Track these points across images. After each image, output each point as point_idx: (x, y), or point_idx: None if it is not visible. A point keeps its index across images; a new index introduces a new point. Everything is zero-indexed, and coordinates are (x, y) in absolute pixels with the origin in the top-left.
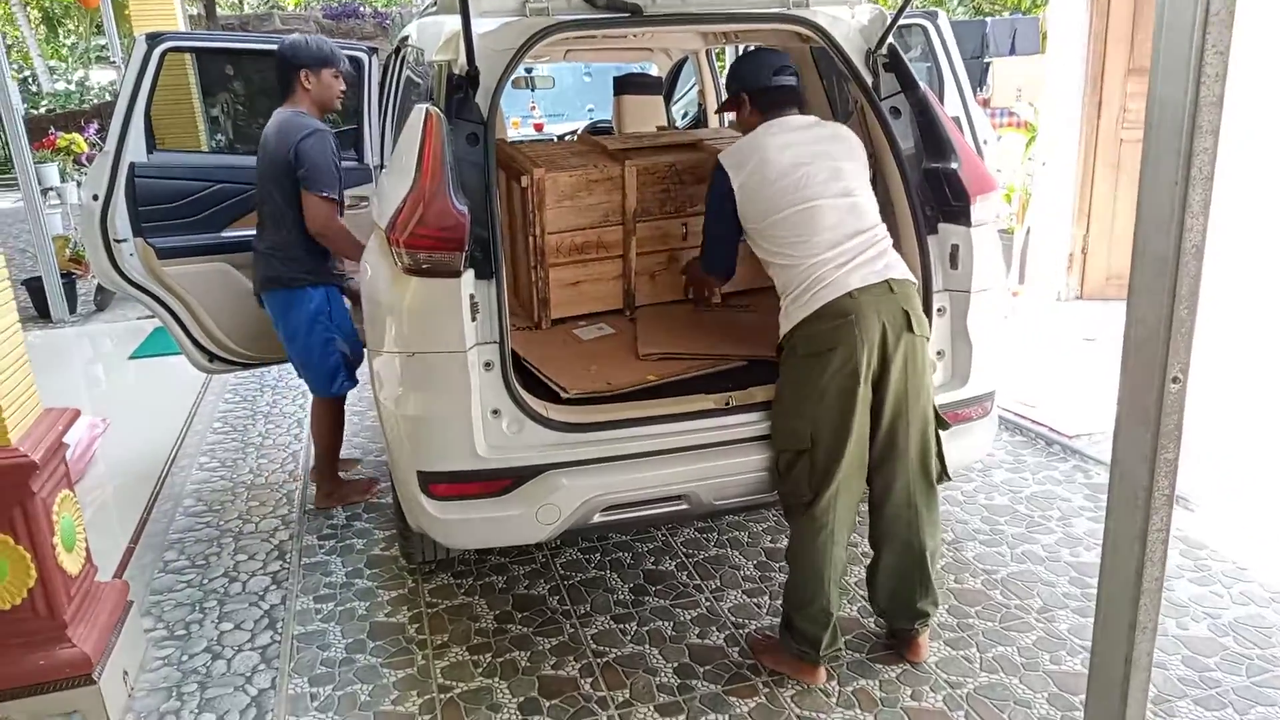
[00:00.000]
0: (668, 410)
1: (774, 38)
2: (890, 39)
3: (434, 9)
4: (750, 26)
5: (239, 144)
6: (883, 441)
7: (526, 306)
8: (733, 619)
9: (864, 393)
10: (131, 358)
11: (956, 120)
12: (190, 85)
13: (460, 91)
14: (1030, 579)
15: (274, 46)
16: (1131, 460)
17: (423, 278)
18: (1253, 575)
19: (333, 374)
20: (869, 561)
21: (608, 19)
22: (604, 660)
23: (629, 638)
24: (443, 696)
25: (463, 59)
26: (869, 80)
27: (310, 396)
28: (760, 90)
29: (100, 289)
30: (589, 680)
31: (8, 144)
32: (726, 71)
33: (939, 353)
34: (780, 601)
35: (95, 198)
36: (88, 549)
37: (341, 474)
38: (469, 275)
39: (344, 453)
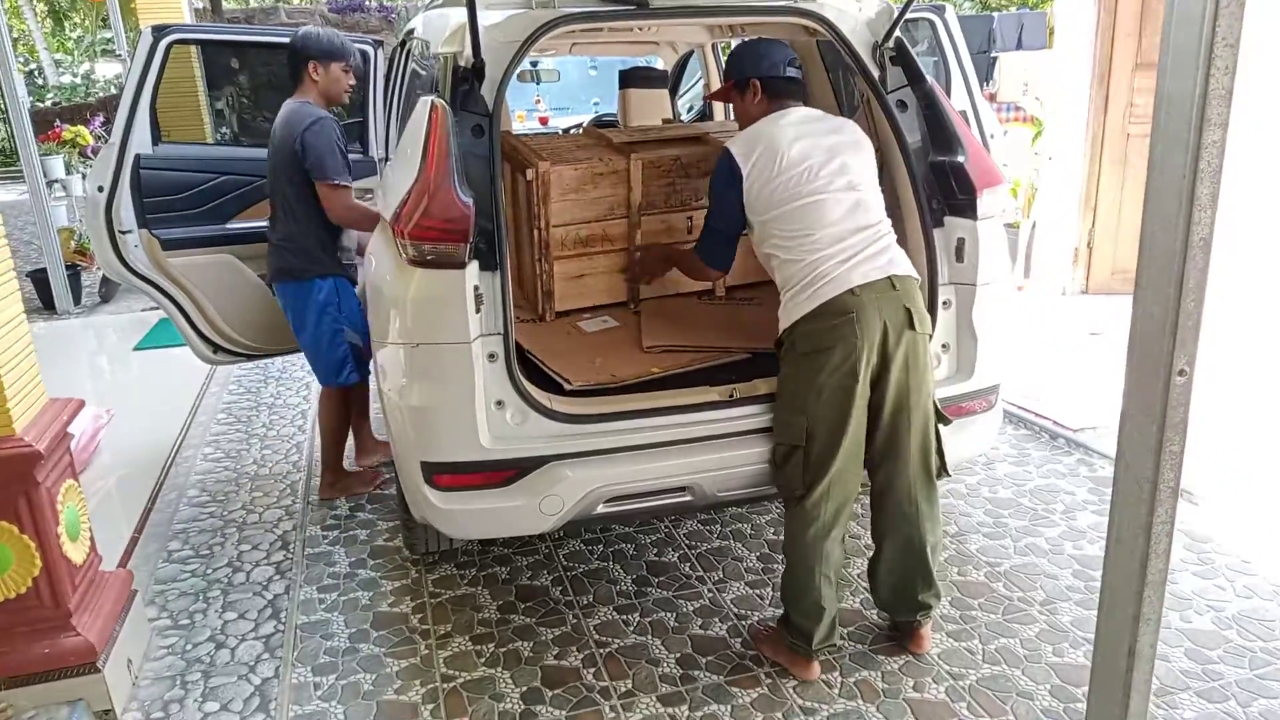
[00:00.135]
0: (672, 402)
1: (780, 31)
2: (897, 32)
3: (440, 2)
4: (757, 19)
5: (244, 137)
6: (884, 437)
7: (531, 299)
8: (735, 610)
9: (862, 390)
10: (136, 349)
11: (963, 114)
12: (195, 78)
13: (466, 84)
14: (1033, 572)
15: (278, 40)
16: (1137, 452)
17: (427, 269)
18: (1257, 569)
19: (340, 365)
20: (871, 555)
21: (614, 12)
22: (607, 651)
23: (632, 628)
24: (446, 686)
25: (468, 51)
26: (875, 74)
27: (318, 388)
28: (773, 79)
29: (105, 281)
30: (591, 670)
31: (13, 136)
32: (728, 56)
33: (944, 346)
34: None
35: (100, 189)
36: (92, 538)
37: (364, 463)
38: (473, 267)
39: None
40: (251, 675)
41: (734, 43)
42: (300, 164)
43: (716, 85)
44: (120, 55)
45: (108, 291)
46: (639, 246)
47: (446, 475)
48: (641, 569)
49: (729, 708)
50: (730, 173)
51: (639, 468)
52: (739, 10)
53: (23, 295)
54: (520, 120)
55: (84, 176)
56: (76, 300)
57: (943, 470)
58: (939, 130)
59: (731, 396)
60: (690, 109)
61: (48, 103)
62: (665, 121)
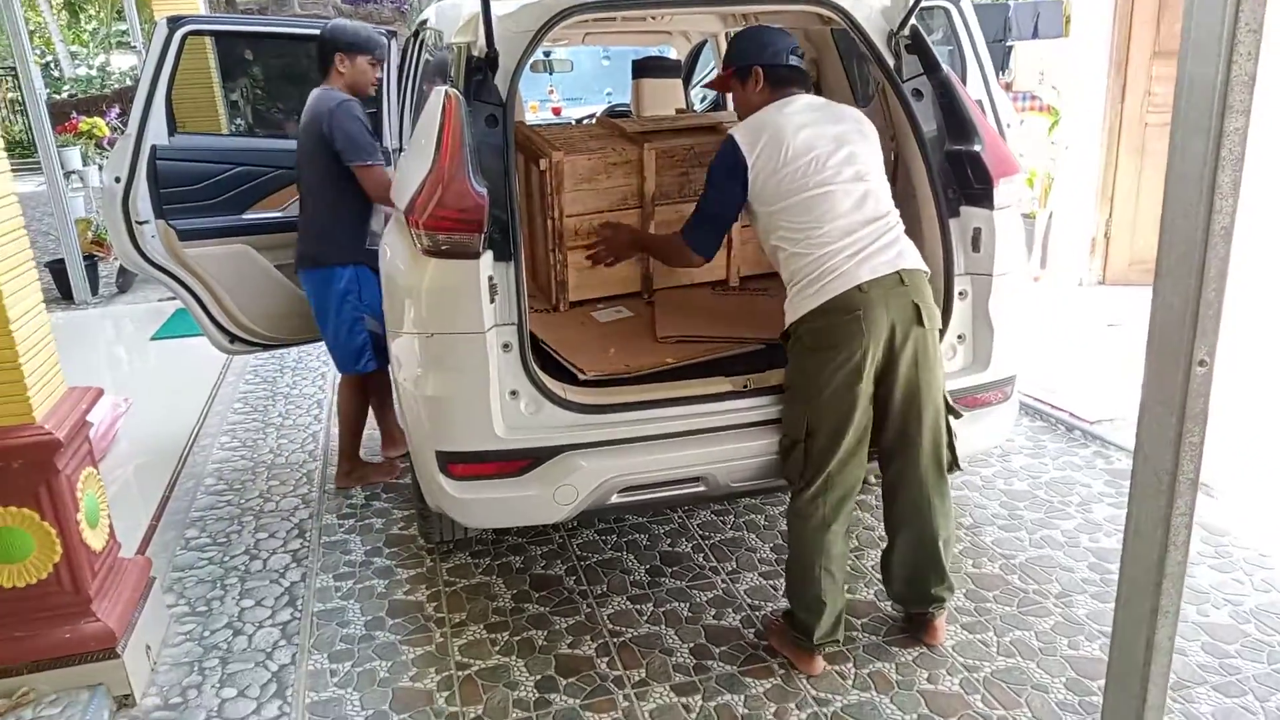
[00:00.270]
0: (686, 392)
1: (795, 19)
2: (912, 20)
3: None
4: (772, 8)
5: (258, 128)
6: (894, 432)
7: (544, 289)
8: (749, 601)
9: (866, 388)
10: (153, 339)
11: (979, 103)
12: (210, 69)
13: (479, 73)
14: (1049, 564)
15: (293, 30)
16: (1156, 444)
17: (441, 259)
18: (1274, 562)
19: (358, 353)
20: (884, 547)
21: (628, 1)
22: (620, 640)
23: (645, 618)
24: (460, 674)
25: (482, 41)
26: (891, 62)
27: (334, 378)
28: (775, 67)
29: (122, 271)
30: (605, 659)
31: (31, 128)
32: (729, 44)
33: (960, 337)
34: None
35: (117, 180)
36: (111, 526)
37: (389, 454)
38: (488, 257)
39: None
40: (269, 662)
41: None
42: (328, 148)
43: None
44: (135, 47)
45: (125, 282)
46: (605, 224)
47: (461, 464)
48: (655, 559)
49: (742, 698)
50: (734, 161)
51: (653, 458)
52: None
53: (41, 285)
54: (534, 110)
55: (100, 168)
56: (94, 290)
57: (954, 464)
58: (955, 119)
59: (745, 387)
60: (703, 99)
61: (64, 95)
62: (679, 111)
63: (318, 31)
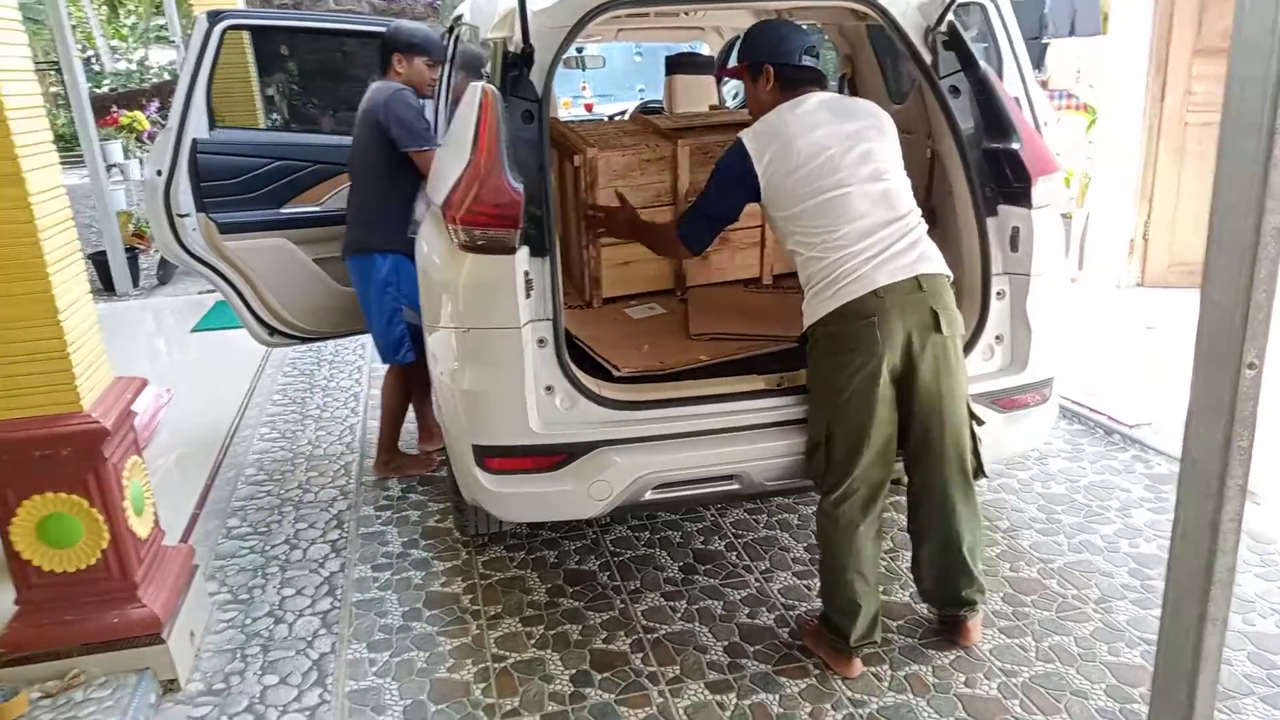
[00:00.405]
0: (719, 390)
1: (830, 15)
2: (950, 16)
3: None
4: (807, 3)
5: (293, 123)
6: (916, 440)
7: (578, 285)
8: (783, 600)
9: (884, 393)
10: (193, 331)
11: (1016, 101)
12: (248, 64)
13: (515, 69)
14: (1088, 569)
15: (330, 25)
16: (1203, 448)
17: (478, 254)
18: None
19: (397, 344)
20: (912, 550)
21: None
22: (654, 636)
23: (679, 615)
24: (497, 666)
25: (518, 36)
26: (928, 59)
27: (370, 371)
28: (787, 66)
29: (163, 263)
30: (639, 655)
31: (74, 122)
32: (743, 36)
33: (997, 337)
34: None
35: (159, 173)
36: (156, 513)
37: (425, 448)
38: (523, 252)
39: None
40: (309, 650)
41: None
42: (382, 136)
43: None
44: (173, 41)
45: (165, 274)
46: (599, 208)
47: (497, 458)
48: (688, 556)
49: (777, 697)
50: (742, 167)
51: (687, 455)
52: None
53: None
54: (566, 107)
55: (141, 161)
56: (135, 282)
57: (979, 471)
58: (993, 116)
59: (779, 385)
60: (736, 95)
61: (104, 88)
62: (712, 108)
63: (352, 27)
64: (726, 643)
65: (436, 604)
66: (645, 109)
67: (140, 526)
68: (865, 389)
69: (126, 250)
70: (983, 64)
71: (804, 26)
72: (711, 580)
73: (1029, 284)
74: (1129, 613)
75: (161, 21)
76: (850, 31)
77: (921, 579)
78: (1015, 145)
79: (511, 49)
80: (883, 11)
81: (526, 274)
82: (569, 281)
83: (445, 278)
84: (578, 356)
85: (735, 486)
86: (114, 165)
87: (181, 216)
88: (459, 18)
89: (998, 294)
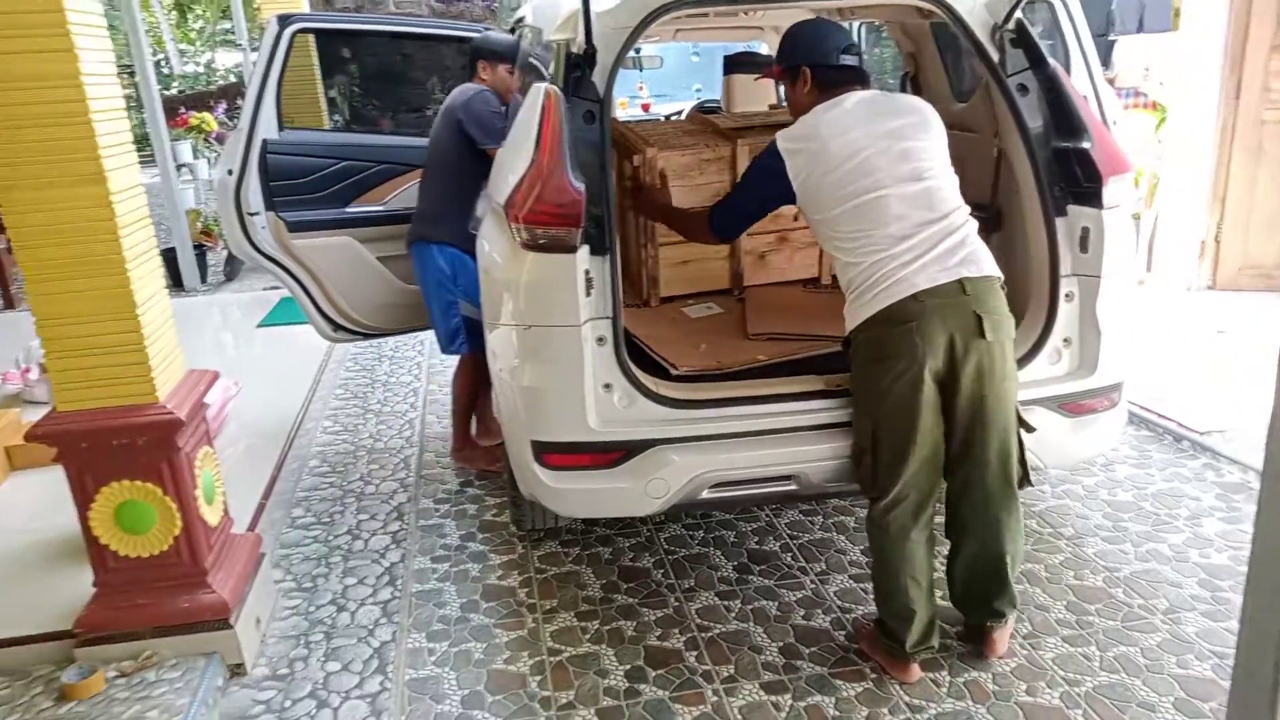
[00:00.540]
0: (777, 390)
1: (894, 13)
2: (1018, 13)
3: None
4: (872, 1)
5: (354, 124)
6: (959, 445)
7: (635, 284)
8: (839, 603)
9: (929, 398)
10: (259, 326)
11: (1084, 99)
12: (313, 66)
13: (578, 70)
14: (1155, 579)
15: (396, 29)
16: None
17: (539, 253)
18: None
19: (453, 334)
20: (948, 551)
21: None
22: (709, 635)
23: (733, 615)
24: (552, 659)
25: (581, 37)
26: (995, 56)
27: (429, 366)
28: (824, 67)
29: (230, 260)
30: (694, 653)
31: (145, 123)
32: (781, 38)
33: (1065, 340)
34: None
35: (230, 172)
36: (226, 502)
37: (484, 443)
38: (584, 251)
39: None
40: (370, 638)
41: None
42: (459, 133)
43: None
44: (240, 45)
45: (232, 270)
46: (638, 182)
47: (555, 455)
48: (742, 556)
49: (833, 700)
50: (775, 168)
51: (744, 455)
52: None
53: None
54: (623, 107)
55: (210, 161)
56: (203, 279)
57: (1025, 479)
58: (1062, 115)
59: (838, 386)
60: None
61: (173, 90)
62: (771, 107)
63: (417, 30)
64: (781, 644)
65: (493, 596)
66: (702, 109)
67: (211, 514)
68: (908, 394)
69: (195, 247)
70: (1052, 61)
71: (845, 25)
72: (766, 581)
73: (1099, 286)
74: (1199, 625)
75: (228, 26)
76: (913, 29)
77: (954, 584)
78: (1086, 144)
79: (574, 50)
80: (949, 9)
81: (587, 272)
82: (627, 281)
83: (507, 276)
84: (636, 355)
85: (793, 487)
86: (183, 165)
87: (251, 215)
88: (520, 20)
89: (1066, 296)
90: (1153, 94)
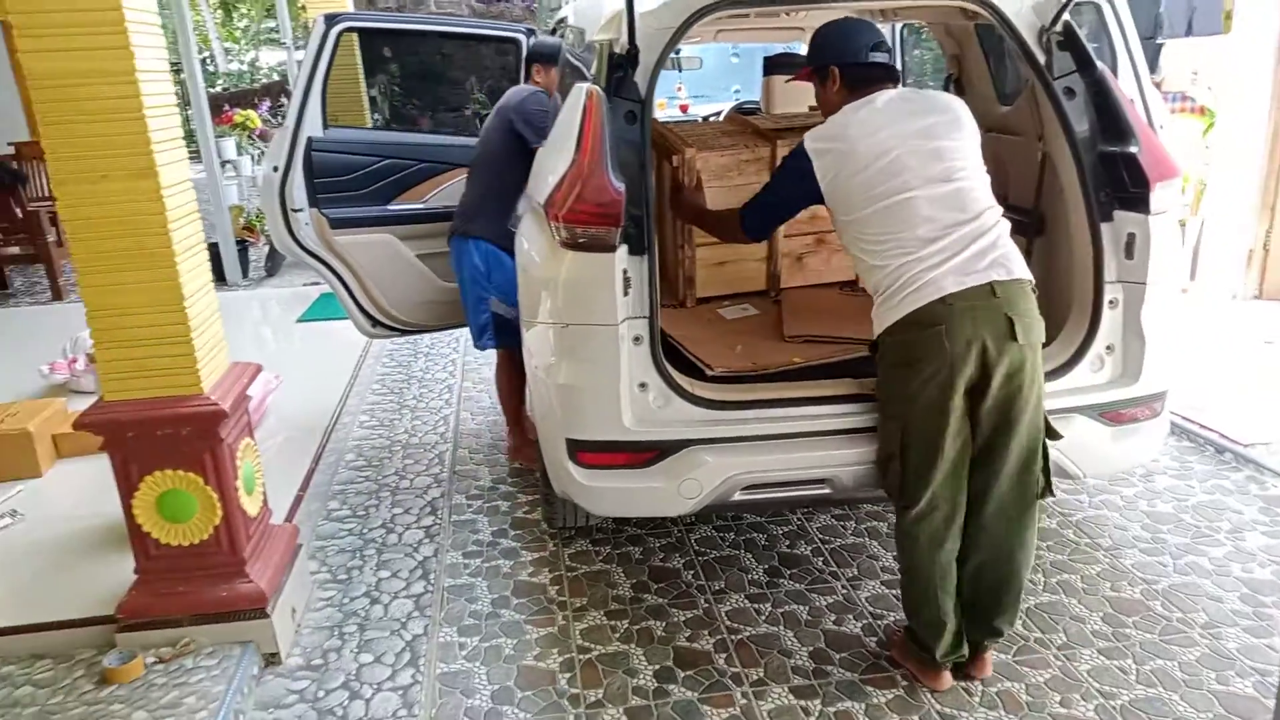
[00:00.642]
0: (813, 393)
1: (939, 14)
2: (1065, 15)
3: None
4: (915, 2)
5: (394, 123)
6: (982, 448)
7: (672, 284)
8: (870, 609)
9: (957, 403)
10: (299, 321)
11: (1132, 103)
12: (356, 65)
13: (620, 70)
14: (1195, 592)
15: (440, 29)
16: None
17: (578, 252)
18: None
19: (481, 330)
20: (956, 555)
21: None
22: (738, 638)
23: (763, 618)
24: (582, 657)
25: (624, 38)
26: (1041, 59)
27: (463, 363)
28: (853, 66)
29: (271, 255)
30: (723, 655)
31: (191, 120)
32: (810, 39)
33: (1108, 348)
34: None
35: (275, 169)
36: (265, 494)
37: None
38: (623, 251)
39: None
40: (403, 631)
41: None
42: (509, 131)
43: None
44: (284, 43)
45: (273, 266)
46: (676, 186)
47: (590, 453)
48: (773, 559)
49: (863, 706)
50: (802, 168)
51: (779, 457)
52: None
53: None
54: (661, 108)
55: (254, 158)
56: (244, 273)
57: (1048, 489)
58: (1110, 119)
59: (874, 390)
60: None
61: (218, 88)
62: (811, 109)
63: (461, 30)
64: (812, 648)
65: (524, 593)
66: (741, 109)
67: (250, 505)
68: (937, 399)
69: (237, 243)
70: (1099, 64)
71: (876, 24)
72: (797, 585)
73: (1144, 293)
74: (1240, 640)
75: (272, 24)
76: (958, 31)
77: (959, 592)
78: (1133, 148)
79: (617, 50)
80: (996, 11)
81: (625, 272)
82: (664, 281)
83: (545, 274)
84: (671, 355)
85: (826, 491)
86: (227, 161)
87: (295, 211)
88: (562, 21)
89: (1110, 303)
90: (1200, 99)
